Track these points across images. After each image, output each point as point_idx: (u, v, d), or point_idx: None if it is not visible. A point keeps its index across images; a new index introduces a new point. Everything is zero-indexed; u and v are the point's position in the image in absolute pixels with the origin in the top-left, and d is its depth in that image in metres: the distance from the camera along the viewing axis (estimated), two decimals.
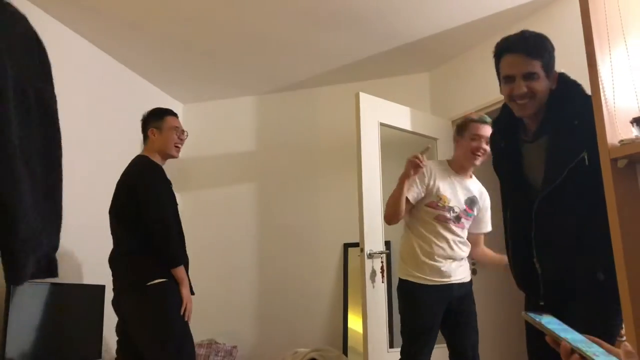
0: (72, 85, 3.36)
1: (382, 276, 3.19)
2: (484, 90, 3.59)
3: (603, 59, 1.60)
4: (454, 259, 2.56)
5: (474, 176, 2.70)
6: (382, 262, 3.21)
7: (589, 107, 1.60)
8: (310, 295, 4.15)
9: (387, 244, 3.37)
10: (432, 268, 2.52)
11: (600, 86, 1.56)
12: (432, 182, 2.54)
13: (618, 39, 1.66)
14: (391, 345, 3.20)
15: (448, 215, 2.53)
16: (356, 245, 3.42)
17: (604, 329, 1.56)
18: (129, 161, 4.17)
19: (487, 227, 2.72)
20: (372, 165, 3.34)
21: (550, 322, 0.82)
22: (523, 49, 1.67)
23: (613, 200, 1.48)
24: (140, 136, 4.09)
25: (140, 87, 4.16)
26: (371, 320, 3.09)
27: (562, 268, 1.66)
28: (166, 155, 2.70)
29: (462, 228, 2.59)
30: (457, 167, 2.63)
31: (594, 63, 1.59)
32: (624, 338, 1.54)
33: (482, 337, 3.81)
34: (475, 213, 2.61)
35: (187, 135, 2.76)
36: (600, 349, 0.78)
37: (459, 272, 2.57)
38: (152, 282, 2.40)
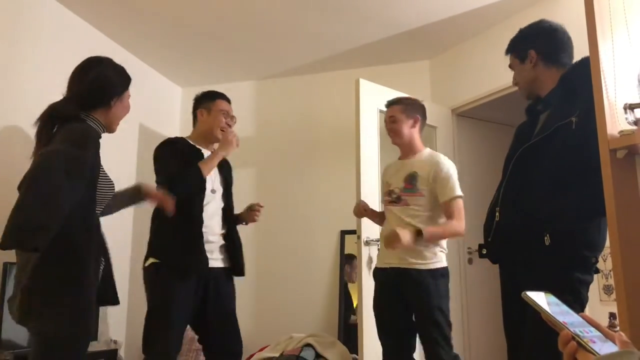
0: (68, 67, 3.33)
1: None
2: (484, 78, 3.58)
3: (605, 48, 1.59)
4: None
5: (426, 152, 2.58)
6: (378, 249, 3.22)
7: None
8: (307, 281, 4.16)
9: None
10: (380, 251, 2.64)
11: (602, 76, 1.55)
12: (384, 178, 2.71)
13: (620, 30, 1.65)
14: None
15: (389, 198, 2.56)
16: (353, 232, 3.43)
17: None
18: (125, 142, 4.14)
19: (442, 197, 2.44)
20: (370, 152, 3.33)
21: (549, 304, 0.82)
22: (506, 49, 1.95)
23: (611, 191, 1.48)
24: (139, 120, 4.10)
25: (139, 70, 4.13)
26: (367, 307, 3.11)
27: (516, 221, 1.72)
28: (212, 138, 2.58)
29: (405, 206, 2.48)
30: (401, 153, 2.67)
31: (596, 53, 1.58)
32: (618, 328, 1.55)
33: (474, 328, 3.83)
34: (417, 187, 2.47)
35: (235, 122, 2.66)
36: (598, 333, 0.78)
37: (406, 254, 2.42)
38: (145, 264, 2.43)
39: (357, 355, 3.19)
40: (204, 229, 2.39)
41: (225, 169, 2.65)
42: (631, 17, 1.67)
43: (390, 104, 2.62)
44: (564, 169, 1.64)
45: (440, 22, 3.59)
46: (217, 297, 2.44)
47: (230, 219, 2.58)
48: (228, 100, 2.66)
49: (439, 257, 2.43)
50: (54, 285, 1.65)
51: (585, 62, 1.73)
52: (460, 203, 2.46)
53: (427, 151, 2.61)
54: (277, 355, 3.49)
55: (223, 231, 2.50)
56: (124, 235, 3.83)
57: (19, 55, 3.02)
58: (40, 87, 3.11)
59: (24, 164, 2.88)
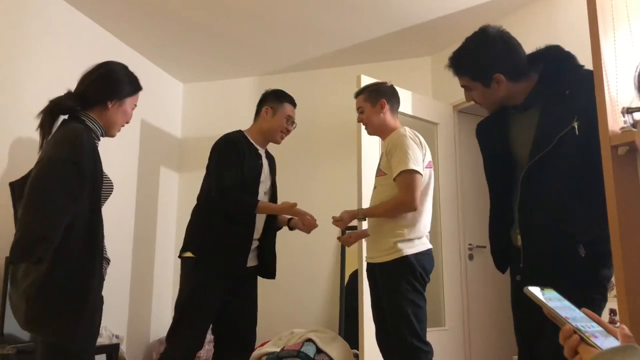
0: (69, 62, 3.34)
1: None
2: None
3: (607, 45, 1.59)
4: (369, 232, 2.51)
5: (397, 129, 2.48)
6: None
7: (581, 77, 1.62)
8: (308, 277, 4.17)
9: None
10: None
11: (604, 72, 1.55)
12: None
13: (623, 26, 1.65)
14: None
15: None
16: (354, 228, 3.43)
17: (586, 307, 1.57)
18: (126, 138, 4.14)
19: (393, 173, 2.32)
20: (371, 149, 3.33)
21: (551, 299, 0.82)
22: (452, 66, 1.78)
23: (612, 188, 1.48)
24: (140, 115, 4.10)
25: (140, 66, 4.12)
26: (368, 303, 3.11)
27: (544, 240, 1.64)
28: (269, 138, 2.61)
29: (375, 189, 2.51)
30: (381, 138, 2.59)
31: (598, 50, 1.57)
32: (618, 324, 1.55)
33: (475, 323, 3.83)
34: (380, 167, 2.47)
35: (294, 127, 2.68)
36: (599, 328, 0.78)
37: (368, 250, 2.48)
38: (183, 255, 2.45)
39: (358, 350, 3.20)
40: (255, 233, 2.45)
41: (273, 169, 2.67)
42: (633, 13, 1.67)
43: (356, 95, 2.58)
44: (579, 178, 1.60)
45: (442, 19, 3.58)
46: (245, 296, 2.50)
47: (273, 220, 2.61)
48: (295, 105, 2.67)
49: (395, 248, 2.29)
50: (60, 297, 1.66)
51: (560, 55, 1.70)
52: (409, 177, 2.26)
53: (397, 129, 2.45)
54: (278, 350, 3.50)
55: (260, 234, 2.53)
56: (125, 233, 3.84)
57: (21, 51, 3.02)
58: (42, 82, 3.12)
59: (25, 161, 2.90)
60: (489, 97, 1.74)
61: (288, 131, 2.62)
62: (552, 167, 1.63)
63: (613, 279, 1.51)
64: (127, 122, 2.01)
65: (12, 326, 2.58)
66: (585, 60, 1.69)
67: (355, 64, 4.23)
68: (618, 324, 1.59)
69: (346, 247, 4.12)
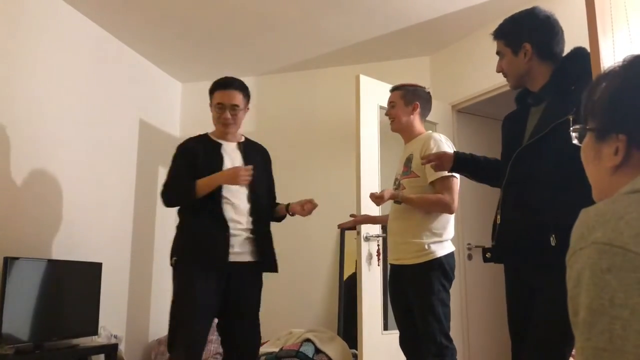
0: (69, 62, 3.33)
1: (378, 259, 3.21)
2: (484, 75, 3.58)
3: (605, 44, 1.59)
4: (391, 232, 2.52)
5: (425, 134, 2.52)
6: (378, 245, 3.23)
7: (588, 75, 1.62)
8: (306, 277, 4.17)
9: (384, 227, 3.38)
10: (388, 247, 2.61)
11: (602, 71, 1.55)
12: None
13: (621, 26, 1.65)
14: (385, 328, 3.23)
15: (394, 187, 2.56)
16: (353, 228, 3.43)
17: (562, 301, 1.57)
18: (125, 138, 4.15)
19: (430, 176, 2.38)
20: (370, 148, 3.34)
21: None
22: (495, 32, 1.86)
23: None
24: (139, 115, 4.09)
25: (139, 65, 4.13)
26: (366, 303, 3.12)
27: (518, 223, 1.68)
28: (217, 133, 2.60)
29: (403, 190, 2.49)
30: (403, 140, 2.61)
31: (597, 49, 1.58)
32: None
33: (474, 322, 3.84)
34: (411, 168, 2.46)
35: (240, 109, 2.55)
36: None
37: (396, 251, 2.46)
38: (172, 261, 2.46)
39: (357, 350, 3.20)
40: (229, 223, 2.39)
41: (252, 160, 2.55)
42: (632, 13, 1.67)
43: (392, 89, 2.62)
44: (563, 168, 1.60)
45: (441, 19, 3.58)
46: (238, 292, 2.45)
47: (261, 211, 2.53)
48: (226, 88, 2.57)
49: (429, 250, 2.34)
50: None
51: (578, 54, 1.72)
52: (451, 181, 2.36)
53: (426, 133, 2.52)
54: (276, 350, 3.50)
55: (250, 226, 2.46)
56: (124, 232, 3.84)
57: (18, 51, 3.02)
58: (40, 82, 3.11)
59: (24, 161, 2.90)
60: (515, 67, 1.80)
61: (226, 119, 2.53)
62: (540, 154, 1.66)
63: None
64: None
65: (10, 327, 2.58)
66: None
67: (354, 64, 4.23)
68: None
69: (345, 247, 4.12)
